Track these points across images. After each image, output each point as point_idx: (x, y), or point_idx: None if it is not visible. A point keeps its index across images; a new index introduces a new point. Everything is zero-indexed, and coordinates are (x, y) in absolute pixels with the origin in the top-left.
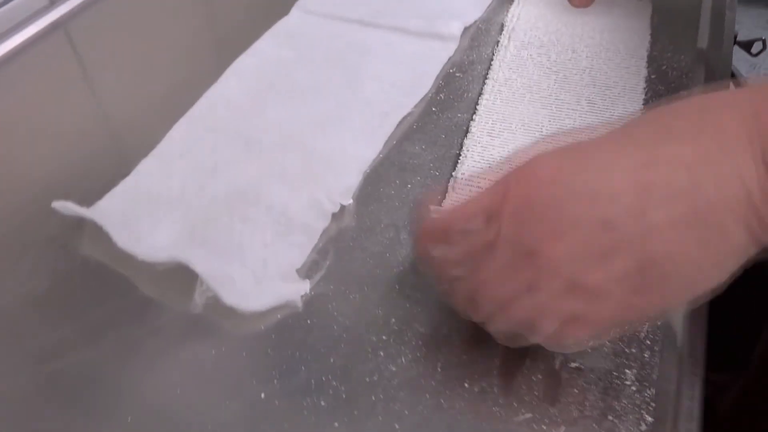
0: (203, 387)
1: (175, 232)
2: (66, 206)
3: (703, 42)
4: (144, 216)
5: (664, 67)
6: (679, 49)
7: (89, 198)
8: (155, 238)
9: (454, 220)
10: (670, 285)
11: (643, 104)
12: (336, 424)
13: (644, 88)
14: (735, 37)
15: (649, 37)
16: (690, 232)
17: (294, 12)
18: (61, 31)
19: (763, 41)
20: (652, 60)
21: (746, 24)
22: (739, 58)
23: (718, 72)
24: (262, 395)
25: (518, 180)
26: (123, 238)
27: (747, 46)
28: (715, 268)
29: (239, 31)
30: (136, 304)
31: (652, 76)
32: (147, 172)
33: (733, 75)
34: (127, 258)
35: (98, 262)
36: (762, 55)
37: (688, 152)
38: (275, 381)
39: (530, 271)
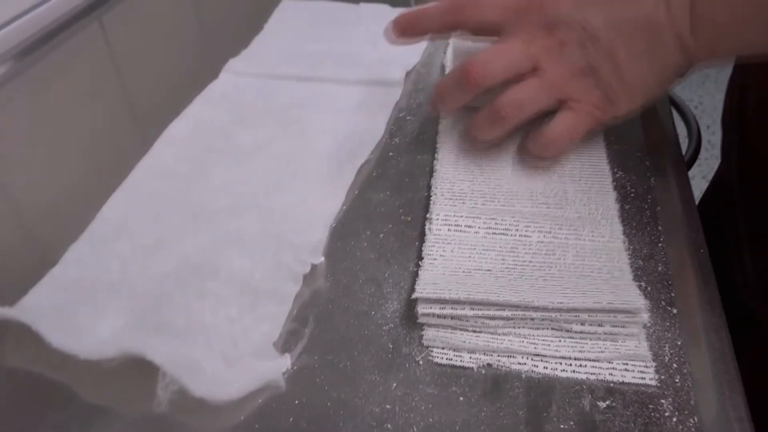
0: None
1: (120, 321)
2: None
3: None
4: (80, 308)
5: None
6: None
7: (10, 298)
8: (98, 331)
9: None
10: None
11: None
12: None
13: None
14: None
15: None
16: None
17: (223, 75)
18: None
19: None
20: None
21: None
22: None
23: None
24: None
25: None
26: (58, 337)
27: None
28: (659, 73)
29: (165, 101)
30: (81, 414)
31: None
32: (78, 258)
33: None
34: (65, 361)
35: (28, 372)
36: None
37: None
38: None
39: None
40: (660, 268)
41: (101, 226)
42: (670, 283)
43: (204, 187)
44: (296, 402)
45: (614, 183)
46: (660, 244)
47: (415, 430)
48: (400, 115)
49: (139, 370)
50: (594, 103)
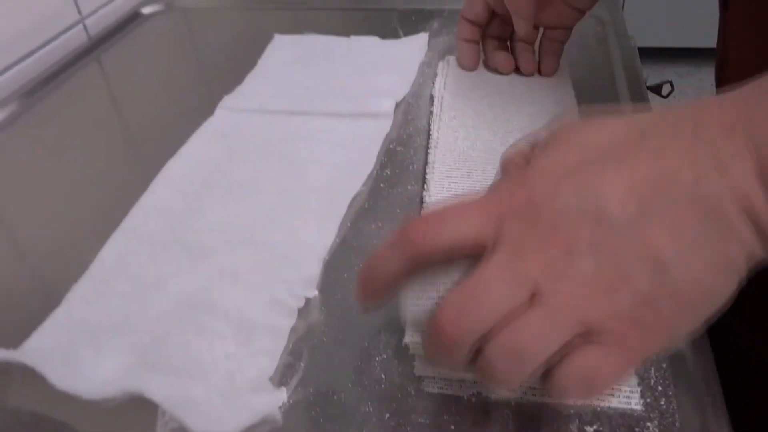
0: None
1: (121, 361)
2: None
3: (623, 92)
4: (82, 349)
5: None
6: (601, 97)
7: (14, 341)
8: (99, 371)
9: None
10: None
11: None
12: None
13: None
14: (645, 82)
15: (571, 88)
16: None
17: (218, 112)
18: None
19: (671, 83)
20: (581, 112)
21: (654, 78)
22: (652, 102)
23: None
24: None
25: (514, 192)
26: (61, 379)
27: (657, 89)
28: (726, 270)
29: (162, 139)
30: None
31: None
32: (79, 299)
33: None
34: (68, 401)
35: (32, 412)
36: (673, 97)
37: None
38: None
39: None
40: None
41: (101, 266)
42: None
43: (200, 224)
44: None
45: None
46: None
47: None
48: (391, 146)
49: (139, 408)
50: (630, 330)
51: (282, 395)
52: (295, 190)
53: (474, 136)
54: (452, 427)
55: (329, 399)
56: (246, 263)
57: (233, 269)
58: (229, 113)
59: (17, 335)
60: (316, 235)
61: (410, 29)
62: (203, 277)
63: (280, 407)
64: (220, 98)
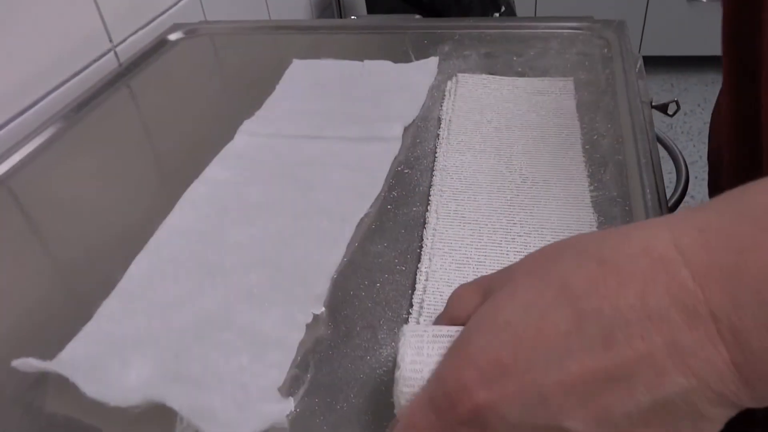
0: None
1: (145, 371)
2: (27, 363)
3: (624, 109)
4: (111, 360)
5: (595, 137)
6: (605, 119)
7: (50, 351)
8: (126, 381)
9: None
10: None
11: (588, 179)
12: None
13: (583, 161)
14: (651, 102)
15: (576, 111)
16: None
17: (238, 137)
18: (4, 188)
19: (676, 102)
20: (584, 132)
21: (654, 89)
22: (657, 120)
23: (642, 134)
24: None
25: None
26: (91, 387)
27: (663, 108)
28: None
29: (186, 161)
30: None
31: (587, 146)
32: (109, 314)
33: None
34: (97, 407)
35: (66, 417)
36: (678, 116)
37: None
38: None
39: None
40: None
41: (128, 284)
42: None
43: (219, 246)
44: None
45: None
46: None
47: None
48: (399, 168)
49: (160, 415)
50: None
51: (290, 404)
52: (308, 213)
53: (480, 159)
54: None
55: (332, 408)
56: (261, 283)
57: (249, 288)
58: (248, 137)
59: (52, 347)
60: (325, 255)
61: (422, 53)
62: (221, 296)
63: (288, 415)
64: (240, 122)
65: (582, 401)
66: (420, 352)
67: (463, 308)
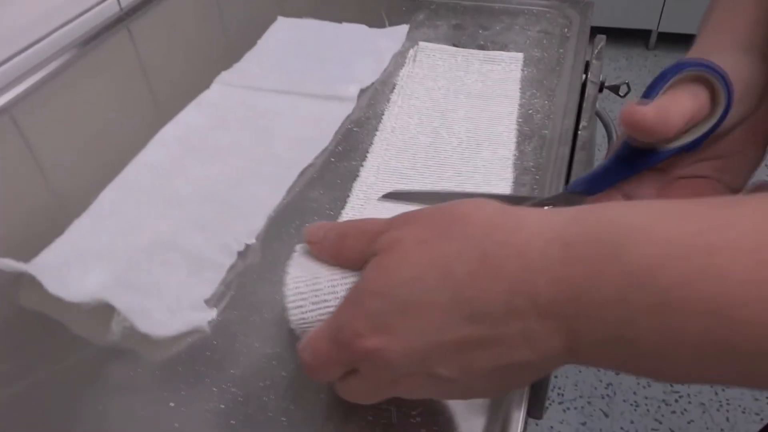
0: (122, 401)
1: (100, 278)
2: (6, 263)
3: (563, 88)
4: (75, 267)
5: (530, 111)
6: (544, 95)
7: (27, 254)
8: (83, 284)
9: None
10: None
11: (515, 146)
12: (233, 422)
13: (515, 129)
14: (603, 83)
15: (519, 84)
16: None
17: (214, 86)
18: (7, 115)
19: (627, 84)
20: (521, 106)
21: (608, 66)
22: (608, 99)
23: (571, 113)
24: (171, 404)
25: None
26: (54, 286)
27: (615, 89)
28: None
29: (166, 104)
30: (65, 341)
31: (519, 120)
32: (79, 230)
33: (598, 114)
34: (58, 303)
35: (34, 310)
36: (630, 96)
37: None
38: (182, 392)
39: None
40: None
41: (99, 207)
42: None
43: (180, 181)
44: (214, 342)
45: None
46: None
47: (294, 366)
48: (350, 126)
49: (107, 312)
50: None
51: (212, 314)
52: (263, 159)
53: (425, 122)
54: None
55: (247, 320)
56: (209, 215)
57: (198, 218)
58: (223, 87)
59: (31, 251)
60: (267, 196)
61: (397, 18)
62: (174, 223)
63: (209, 322)
64: (219, 72)
65: (453, 357)
66: (305, 268)
67: (350, 247)
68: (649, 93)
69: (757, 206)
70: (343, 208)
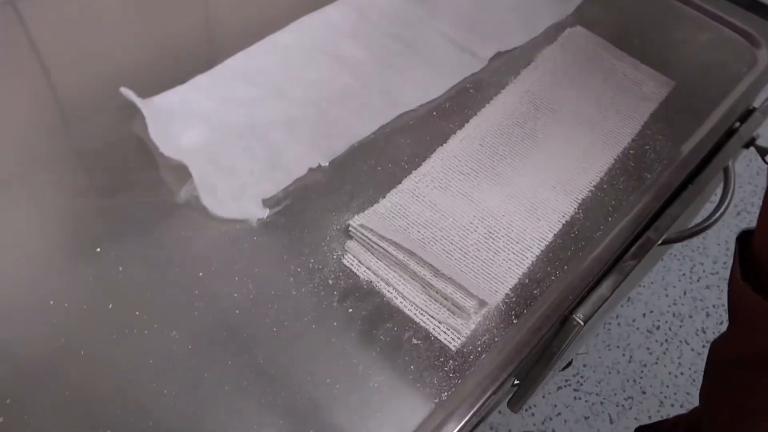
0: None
1: (194, 140)
2: (128, 93)
3: (700, 133)
4: (178, 121)
5: (647, 147)
6: (672, 138)
7: (151, 91)
8: (178, 141)
9: None
10: None
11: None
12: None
13: (615, 159)
14: (754, 140)
15: (648, 114)
16: None
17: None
18: (10, 6)
19: None
20: (639, 136)
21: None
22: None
23: (684, 165)
24: (201, 274)
25: None
26: (155, 131)
27: (763, 152)
28: None
29: None
30: (152, 178)
31: (630, 152)
32: (196, 87)
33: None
34: (153, 149)
35: (139, 137)
36: None
37: None
38: (213, 261)
39: None
40: (535, 292)
41: (220, 72)
42: (530, 303)
43: (294, 77)
44: (254, 238)
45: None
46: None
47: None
48: (467, 86)
49: (186, 172)
50: None
51: (265, 212)
52: (371, 84)
53: (535, 113)
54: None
55: (289, 230)
56: (303, 120)
57: (293, 120)
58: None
59: (150, 90)
60: (359, 126)
61: None
62: (273, 116)
63: (258, 220)
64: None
65: None
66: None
67: None
68: None
69: None
70: (409, 173)
